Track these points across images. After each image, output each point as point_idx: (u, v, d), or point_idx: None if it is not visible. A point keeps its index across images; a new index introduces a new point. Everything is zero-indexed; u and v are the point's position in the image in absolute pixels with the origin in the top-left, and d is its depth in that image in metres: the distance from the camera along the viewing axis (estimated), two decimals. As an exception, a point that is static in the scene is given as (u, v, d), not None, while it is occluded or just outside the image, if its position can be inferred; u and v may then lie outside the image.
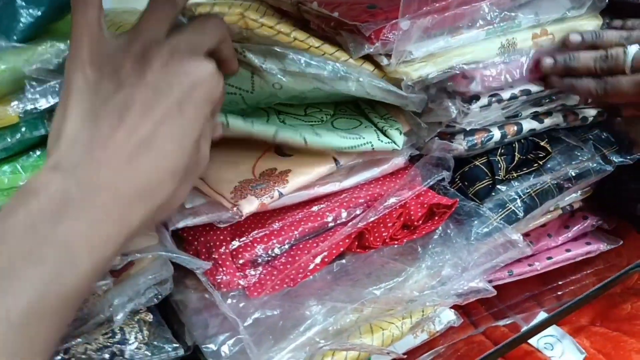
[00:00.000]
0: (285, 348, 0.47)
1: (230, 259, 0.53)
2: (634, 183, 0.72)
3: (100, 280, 0.43)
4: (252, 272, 0.53)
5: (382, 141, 0.58)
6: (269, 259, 0.54)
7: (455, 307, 0.68)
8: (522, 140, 0.64)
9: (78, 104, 0.35)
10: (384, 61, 0.56)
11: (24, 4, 0.42)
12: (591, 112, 0.69)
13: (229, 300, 0.50)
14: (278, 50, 0.51)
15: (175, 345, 0.47)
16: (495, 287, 0.72)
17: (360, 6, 0.59)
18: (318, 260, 0.54)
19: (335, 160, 0.57)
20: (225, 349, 0.48)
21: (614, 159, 0.69)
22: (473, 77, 0.58)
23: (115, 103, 0.35)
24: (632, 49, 0.57)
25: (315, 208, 0.57)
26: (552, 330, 0.74)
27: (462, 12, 0.58)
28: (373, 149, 0.57)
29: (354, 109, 0.64)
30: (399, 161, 0.61)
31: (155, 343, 0.47)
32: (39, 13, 0.43)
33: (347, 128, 0.59)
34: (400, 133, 0.60)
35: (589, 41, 0.61)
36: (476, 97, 0.60)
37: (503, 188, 0.64)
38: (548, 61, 0.61)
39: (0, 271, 0.30)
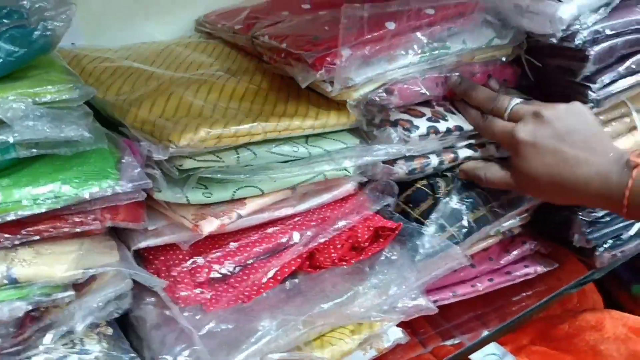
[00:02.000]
0: (237, 357, 0.50)
1: (189, 276, 0.57)
2: (564, 210, 0.79)
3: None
4: (209, 289, 0.56)
5: (334, 170, 0.63)
6: (225, 276, 0.58)
7: (403, 327, 0.73)
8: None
9: None
10: (328, 88, 0.62)
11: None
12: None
13: (186, 314, 0.53)
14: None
15: (132, 355, 0.50)
16: (442, 307, 0.77)
17: (305, 38, 0.65)
18: (271, 277, 0.58)
19: (292, 187, 0.62)
20: (181, 359, 0.51)
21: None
22: (392, 91, 0.65)
23: None
24: (514, 102, 0.68)
25: (270, 230, 0.61)
26: (495, 349, 0.78)
27: (398, 41, 0.65)
28: (326, 178, 0.63)
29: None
30: (349, 187, 0.66)
31: (113, 354, 0.49)
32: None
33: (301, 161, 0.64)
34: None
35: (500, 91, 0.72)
36: (415, 127, 0.66)
37: (446, 209, 0.69)
38: (455, 78, 0.71)
39: None
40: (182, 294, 0.54)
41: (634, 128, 0.77)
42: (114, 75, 0.68)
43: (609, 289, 1.06)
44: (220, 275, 0.57)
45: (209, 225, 0.56)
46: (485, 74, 0.74)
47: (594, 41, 0.68)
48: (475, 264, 0.78)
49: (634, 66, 0.71)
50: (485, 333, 0.79)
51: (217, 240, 0.60)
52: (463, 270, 0.77)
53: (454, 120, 0.70)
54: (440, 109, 0.72)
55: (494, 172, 0.70)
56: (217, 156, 0.57)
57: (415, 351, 0.78)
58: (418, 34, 0.67)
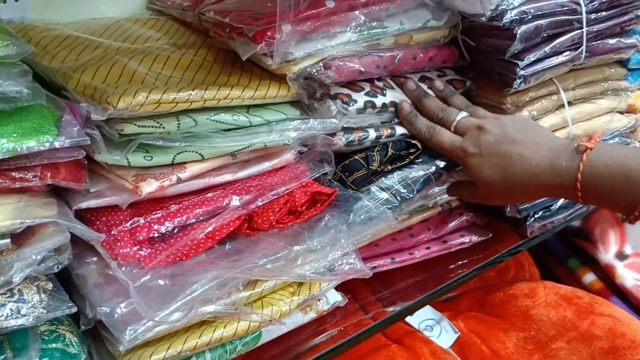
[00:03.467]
0: (170, 307, 0.53)
1: (129, 235, 0.59)
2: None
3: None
4: (148, 247, 0.59)
5: (273, 138, 0.66)
6: (165, 236, 0.60)
7: (345, 294, 0.76)
8: (395, 141, 0.74)
9: None
10: (269, 61, 0.65)
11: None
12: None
13: (123, 269, 0.56)
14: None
15: (69, 303, 0.52)
16: (382, 275, 0.81)
17: (247, 13, 0.68)
18: (209, 237, 0.61)
19: (232, 153, 0.65)
20: (118, 310, 0.53)
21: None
22: (329, 66, 0.68)
23: None
24: (460, 116, 0.73)
25: (210, 194, 0.64)
26: (432, 314, 0.83)
27: (338, 19, 0.68)
28: (265, 146, 0.66)
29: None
30: (289, 156, 0.70)
31: (51, 304, 0.52)
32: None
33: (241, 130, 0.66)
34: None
35: (445, 94, 0.77)
36: (354, 101, 0.70)
37: (381, 179, 0.73)
38: (411, 84, 0.75)
39: None
40: (121, 251, 0.57)
41: (562, 106, 0.82)
42: (61, 45, 0.69)
43: (549, 264, 1.11)
44: (160, 235, 0.60)
45: (148, 187, 0.58)
46: (426, 55, 0.77)
47: (521, 20, 0.73)
48: (414, 234, 0.83)
49: (558, 46, 0.76)
50: (420, 297, 0.83)
51: (158, 202, 0.62)
52: (402, 240, 0.81)
53: (391, 96, 0.74)
54: (380, 84, 0.76)
55: (465, 191, 0.76)
56: (158, 122, 0.60)
57: (357, 316, 0.82)
58: (357, 13, 0.70)
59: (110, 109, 0.55)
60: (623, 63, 0.88)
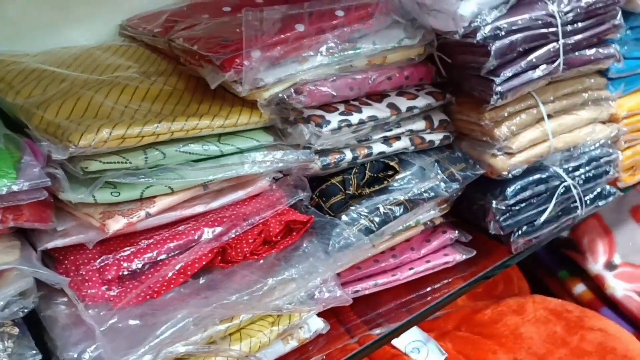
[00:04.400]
0: (139, 351, 0.51)
1: (97, 274, 0.58)
2: (479, 199, 0.82)
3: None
4: (117, 286, 0.57)
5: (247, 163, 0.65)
6: (135, 273, 0.59)
7: (330, 317, 0.75)
8: (373, 162, 0.73)
9: None
10: (239, 88, 0.64)
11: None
12: (438, 136, 0.79)
13: (91, 311, 0.54)
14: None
15: (34, 351, 0.51)
16: (367, 296, 0.80)
17: (215, 40, 0.67)
18: (180, 272, 0.60)
19: (203, 184, 0.63)
20: (85, 355, 0.52)
21: (459, 176, 0.78)
22: (301, 91, 0.67)
23: None
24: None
25: (181, 227, 0.63)
26: (419, 335, 0.81)
27: (308, 42, 0.67)
28: (237, 174, 0.64)
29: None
30: (264, 184, 0.68)
31: (17, 352, 0.50)
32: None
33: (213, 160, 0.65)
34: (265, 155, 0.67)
35: None
36: (327, 122, 0.69)
37: (358, 205, 0.72)
38: None
39: None
40: (89, 291, 0.55)
41: (542, 119, 0.81)
42: (27, 79, 0.68)
43: (539, 276, 1.10)
44: (130, 273, 0.58)
45: (116, 224, 0.57)
46: (402, 74, 0.76)
47: (495, 37, 0.71)
48: (397, 254, 0.81)
49: (535, 60, 0.75)
50: (408, 317, 0.82)
51: (128, 238, 0.61)
52: (385, 261, 0.80)
53: (368, 112, 0.73)
54: (356, 103, 0.74)
55: None
56: (124, 157, 0.58)
57: (342, 340, 0.80)
58: (327, 35, 0.69)
59: (71, 148, 0.54)
60: (603, 73, 0.87)
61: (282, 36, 0.66)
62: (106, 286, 0.57)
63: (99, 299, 0.56)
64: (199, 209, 0.64)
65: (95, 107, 0.62)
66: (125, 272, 0.58)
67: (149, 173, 0.60)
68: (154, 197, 0.60)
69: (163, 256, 0.61)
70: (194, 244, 0.62)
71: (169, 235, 0.62)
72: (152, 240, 0.61)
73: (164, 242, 0.61)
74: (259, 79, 0.65)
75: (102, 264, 0.58)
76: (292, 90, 0.67)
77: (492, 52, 0.71)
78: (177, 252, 0.61)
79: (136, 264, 0.59)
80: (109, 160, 0.57)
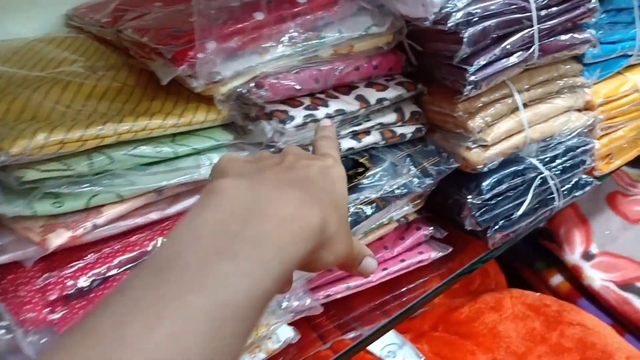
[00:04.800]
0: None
1: (39, 295, 0.52)
2: (455, 194, 0.78)
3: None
4: (62, 308, 0.52)
5: (204, 166, 0.60)
6: (82, 292, 0.53)
7: (301, 323, 0.71)
8: (342, 158, 0.68)
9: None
10: (193, 83, 0.58)
11: None
12: (409, 129, 0.75)
13: (31, 338, 0.49)
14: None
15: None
16: (341, 300, 0.76)
17: (166, 31, 0.61)
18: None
19: (157, 189, 0.58)
20: (25, 388, 0.46)
21: (433, 171, 0.74)
22: (262, 85, 0.62)
23: (270, 162, 0.40)
24: None
25: (134, 238, 0.57)
26: (394, 338, 0.78)
27: (268, 32, 0.62)
28: (193, 179, 0.59)
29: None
30: (225, 186, 0.63)
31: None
32: None
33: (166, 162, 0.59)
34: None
35: None
36: (291, 118, 0.64)
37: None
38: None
39: (196, 265, 0.30)
40: (29, 315, 0.50)
41: (517, 109, 0.77)
42: (-43, 79, 0.62)
43: (516, 267, 1.07)
44: (76, 291, 0.53)
45: (58, 239, 0.51)
46: (370, 64, 0.71)
47: (467, 23, 0.67)
48: (370, 255, 0.77)
49: (509, 47, 0.71)
50: (384, 321, 0.78)
51: (73, 252, 0.55)
52: (357, 262, 0.76)
53: (335, 105, 0.68)
54: (322, 95, 0.70)
55: None
56: (65, 164, 0.53)
57: (315, 347, 0.76)
58: (289, 24, 0.64)
59: (2, 156, 0.48)
60: (578, 59, 0.84)
61: (240, 25, 0.61)
62: (49, 308, 0.51)
63: (41, 323, 0.50)
64: (153, 216, 0.59)
65: (33, 108, 0.56)
66: (71, 292, 0.53)
67: (94, 180, 0.54)
68: (102, 206, 0.55)
69: (114, 271, 0.55)
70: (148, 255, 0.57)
71: (120, 247, 0.56)
72: (101, 254, 0.55)
73: (114, 256, 0.56)
74: (215, 72, 0.60)
75: (45, 283, 0.53)
76: (252, 84, 0.62)
77: (465, 40, 0.67)
78: (129, 265, 0.56)
79: (83, 282, 0.54)
80: (48, 168, 0.52)
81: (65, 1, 0.81)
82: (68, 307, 0.52)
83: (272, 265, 0.32)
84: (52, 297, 0.52)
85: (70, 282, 0.53)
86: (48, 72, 0.64)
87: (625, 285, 0.93)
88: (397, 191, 0.72)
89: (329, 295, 0.73)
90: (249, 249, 0.32)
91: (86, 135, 0.52)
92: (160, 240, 0.58)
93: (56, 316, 0.51)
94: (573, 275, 0.98)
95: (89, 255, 0.55)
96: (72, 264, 0.54)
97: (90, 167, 0.54)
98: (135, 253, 0.56)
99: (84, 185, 0.53)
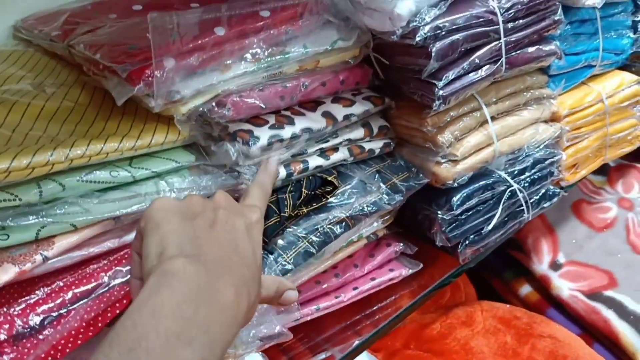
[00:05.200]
0: None
1: (-15, 336, 0.48)
2: (425, 209, 0.77)
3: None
4: (11, 349, 0.48)
5: (164, 191, 0.57)
6: (33, 330, 0.49)
7: (269, 348, 0.68)
8: (310, 177, 0.66)
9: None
10: (152, 103, 0.55)
11: None
12: (378, 144, 0.73)
13: (-25, 386, 0.45)
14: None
15: None
16: (311, 320, 0.74)
17: (121, 47, 0.58)
18: (90, 325, 0.51)
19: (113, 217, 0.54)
20: None
21: (402, 187, 0.73)
22: (224, 104, 0.59)
23: (203, 222, 0.42)
24: None
25: (89, 268, 0.54)
26: (366, 358, 0.76)
27: (230, 48, 0.59)
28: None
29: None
30: (187, 209, 0.60)
31: None
32: None
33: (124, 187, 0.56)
34: (185, 178, 0.59)
35: None
36: (256, 138, 0.61)
37: (295, 226, 0.65)
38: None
39: (160, 349, 0.33)
40: (-27, 360, 0.46)
41: (485, 122, 0.77)
42: None
43: (484, 278, 1.07)
44: (26, 330, 0.49)
45: (4, 275, 0.47)
46: (336, 79, 0.69)
47: (435, 37, 0.66)
48: (340, 273, 0.75)
49: (478, 60, 0.70)
50: (356, 342, 0.76)
51: (23, 287, 0.51)
52: (327, 281, 0.74)
53: (301, 123, 0.66)
54: (287, 112, 0.67)
55: None
56: (12, 194, 0.49)
57: (285, 371, 0.74)
58: (252, 40, 0.61)
59: (-61, 188, 0.44)
60: (544, 70, 0.84)
61: (200, 42, 0.58)
62: (-4, 350, 0.47)
63: (-13, 368, 0.46)
64: (110, 244, 0.55)
65: (-25, 132, 0.52)
66: (21, 330, 0.49)
67: (44, 210, 0.50)
68: (53, 237, 0.51)
69: (67, 306, 0.51)
70: (105, 288, 0.53)
71: (74, 280, 0.53)
72: (53, 287, 0.52)
73: (67, 289, 0.52)
74: (175, 91, 0.57)
75: (-9, 323, 0.49)
76: (214, 103, 0.59)
77: (433, 54, 0.66)
78: (84, 299, 0.52)
79: (34, 319, 0.50)
80: (-7, 198, 0.48)
81: (13, 12, 0.76)
82: (17, 348, 0.48)
83: (218, 347, 0.36)
84: (1, 338, 0.48)
85: (19, 321, 0.49)
86: (-7, 91, 0.60)
87: (593, 295, 0.94)
88: (366, 209, 0.70)
89: (298, 319, 0.70)
90: (201, 335, 0.35)
91: (34, 162, 0.48)
92: (115, 269, 0.54)
93: (5, 358, 0.47)
94: (541, 285, 0.98)
95: (39, 290, 0.51)
96: (21, 300, 0.50)
97: (39, 195, 0.50)
98: (91, 285, 0.53)
99: (33, 217, 0.49)
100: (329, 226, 0.66)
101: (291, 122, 0.65)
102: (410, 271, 0.78)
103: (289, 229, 0.65)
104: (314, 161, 0.67)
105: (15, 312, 0.49)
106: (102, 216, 0.52)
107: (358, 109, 0.70)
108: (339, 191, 0.69)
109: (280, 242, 0.64)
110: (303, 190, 0.65)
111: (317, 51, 0.65)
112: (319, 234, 0.66)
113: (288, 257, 0.63)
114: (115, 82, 0.56)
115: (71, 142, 0.51)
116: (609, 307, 0.92)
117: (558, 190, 0.88)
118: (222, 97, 0.60)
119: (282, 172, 0.64)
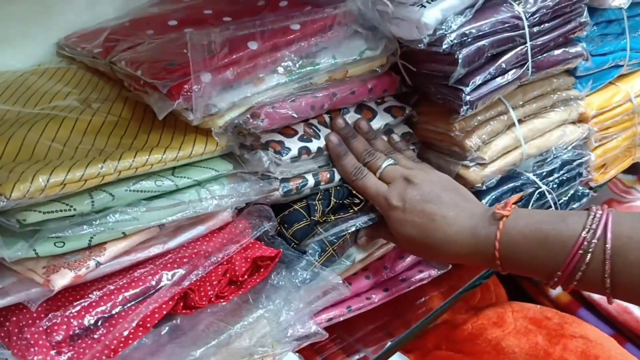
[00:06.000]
0: None
1: (44, 336, 0.51)
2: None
3: None
4: (68, 349, 0.51)
5: (205, 198, 0.60)
6: (88, 331, 0.53)
7: (305, 346, 0.70)
8: (337, 187, 0.69)
9: None
10: (190, 116, 0.58)
11: None
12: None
13: (38, 383, 0.48)
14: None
15: None
16: (344, 321, 0.76)
17: (160, 64, 0.61)
18: (140, 325, 0.54)
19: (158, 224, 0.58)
20: None
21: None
22: (258, 115, 0.62)
23: None
24: (387, 162, 0.69)
25: (137, 272, 0.57)
26: (398, 359, 0.77)
27: (263, 61, 0.62)
28: (196, 214, 0.59)
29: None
30: (225, 216, 0.63)
31: None
32: None
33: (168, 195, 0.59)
34: (224, 186, 0.62)
35: (369, 136, 0.72)
36: (287, 149, 0.64)
37: (325, 231, 0.67)
38: (340, 122, 0.70)
39: None
40: (36, 358, 0.49)
41: (512, 125, 0.78)
42: (-52, 116, 0.61)
43: (515, 279, 1.08)
44: (82, 331, 0.52)
45: (62, 279, 0.51)
46: (365, 87, 0.72)
47: (462, 44, 0.67)
48: (370, 275, 0.77)
49: (504, 65, 0.71)
50: (389, 343, 0.78)
51: (77, 291, 0.55)
52: (358, 283, 0.76)
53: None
54: (315, 121, 0.70)
55: (384, 236, 0.71)
56: (67, 204, 0.52)
57: (319, 372, 0.76)
58: (284, 52, 0.64)
59: (2, 202, 0.47)
60: (570, 72, 0.84)
61: (234, 56, 0.61)
62: (55, 350, 0.51)
63: (48, 366, 0.50)
64: (156, 250, 0.58)
65: (30, 147, 0.56)
66: (77, 331, 0.52)
67: (97, 219, 0.54)
68: (104, 243, 0.55)
69: (118, 308, 0.54)
70: (152, 290, 0.56)
71: (123, 284, 0.56)
72: (104, 291, 0.55)
73: (118, 292, 0.55)
74: (212, 105, 0.60)
75: (50, 324, 0.52)
76: (248, 115, 0.62)
77: (460, 61, 0.67)
78: (133, 301, 0.56)
79: (88, 320, 0.53)
80: (50, 209, 0.51)
81: (56, 30, 0.80)
82: (74, 348, 0.52)
83: None
84: (58, 338, 0.51)
85: (75, 322, 0.52)
86: (42, 108, 0.64)
87: (625, 294, 0.94)
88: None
89: (331, 319, 0.73)
90: None
91: (87, 174, 0.52)
92: (164, 273, 0.57)
93: (63, 358, 0.50)
94: (572, 285, 0.98)
95: (92, 293, 0.54)
96: (76, 303, 0.53)
97: (92, 205, 0.53)
98: (139, 289, 0.56)
99: (87, 226, 0.53)
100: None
101: (317, 136, 0.68)
102: (439, 272, 0.80)
103: (318, 235, 0.67)
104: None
105: (71, 314, 0.53)
106: (149, 224, 0.55)
107: (378, 122, 0.73)
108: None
109: (312, 245, 0.66)
110: (332, 199, 0.68)
111: (345, 61, 0.68)
112: (348, 240, 0.68)
113: (319, 261, 0.65)
114: (156, 98, 0.60)
115: (119, 155, 0.55)
116: (642, 306, 0.92)
117: (587, 190, 0.89)
118: (256, 108, 0.62)
119: (311, 181, 0.67)
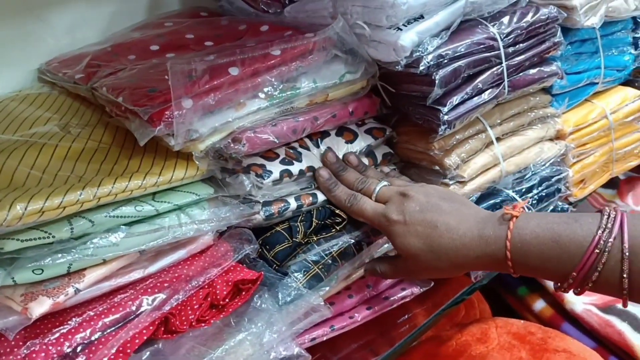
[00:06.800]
0: None
1: (22, 366, 0.51)
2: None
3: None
4: (47, 378, 0.51)
5: (185, 223, 0.60)
6: (67, 358, 0.53)
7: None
8: (319, 208, 0.69)
9: None
10: (171, 142, 0.59)
11: None
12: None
13: (16, 414, 0.48)
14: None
15: None
16: (327, 340, 0.76)
17: (141, 90, 0.61)
18: (120, 352, 0.54)
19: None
20: None
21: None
22: (240, 140, 0.63)
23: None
24: (381, 184, 0.69)
25: (117, 298, 0.57)
26: (383, 378, 0.77)
27: (244, 86, 0.63)
28: (177, 239, 0.59)
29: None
30: (207, 239, 0.63)
31: None
32: None
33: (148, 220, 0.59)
34: (204, 210, 0.62)
35: (361, 169, 0.73)
36: (268, 172, 0.64)
37: (308, 252, 0.68)
38: (331, 156, 0.71)
39: None
40: (13, 389, 0.49)
41: (491, 143, 0.79)
42: None
43: (499, 294, 1.08)
44: (61, 358, 0.52)
45: (40, 307, 0.51)
46: (346, 110, 0.73)
47: (438, 65, 0.69)
48: (354, 294, 0.77)
49: (480, 85, 0.73)
50: (373, 361, 0.78)
51: (56, 317, 0.54)
52: (341, 302, 0.76)
53: (306, 161, 0.70)
54: (296, 145, 0.71)
55: (388, 267, 0.69)
56: (45, 231, 0.52)
57: (304, 393, 0.76)
58: (265, 77, 0.65)
59: (-20, 230, 0.47)
60: (547, 90, 0.86)
61: (216, 82, 0.61)
62: (34, 379, 0.51)
63: (26, 396, 0.49)
64: (136, 275, 0.58)
65: (9, 174, 0.56)
66: (56, 358, 0.52)
67: (76, 246, 0.54)
68: (83, 269, 0.55)
69: (98, 334, 0.54)
70: (132, 316, 0.56)
71: (103, 310, 0.56)
72: (84, 317, 0.55)
73: (98, 318, 0.55)
74: (193, 130, 0.60)
75: (28, 352, 0.51)
76: (230, 140, 0.62)
77: (437, 82, 0.69)
78: (113, 327, 0.55)
79: (67, 348, 0.53)
80: (28, 237, 0.51)
81: (36, 56, 0.81)
82: (53, 377, 0.51)
83: None
84: (37, 367, 0.51)
85: (54, 349, 0.52)
86: (21, 135, 0.64)
87: (607, 308, 0.95)
88: (374, 235, 0.73)
89: (314, 339, 0.73)
90: None
91: (65, 201, 0.52)
92: (144, 298, 0.57)
93: (41, 387, 0.50)
94: (555, 300, 0.99)
95: (72, 320, 0.54)
96: (55, 330, 0.53)
97: (71, 232, 0.53)
98: (119, 314, 0.56)
99: (66, 253, 0.53)
100: (339, 252, 0.69)
101: (298, 159, 0.69)
102: (422, 289, 0.80)
103: (300, 255, 0.67)
104: (322, 196, 0.70)
105: (50, 341, 0.52)
106: (129, 250, 0.56)
107: (359, 144, 0.74)
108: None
109: (293, 267, 0.66)
110: (313, 220, 0.68)
111: (326, 85, 0.69)
112: (329, 260, 0.68)
113: (302, 281, 0.65)
114: (137, 124, 0.60)
115: (98, 181, 0.55)
116: (623, 319, 0.93)
117: (567, 206, 0.90)
118: (237, 133, 0.63)
119: (293, 204, 0.67)
